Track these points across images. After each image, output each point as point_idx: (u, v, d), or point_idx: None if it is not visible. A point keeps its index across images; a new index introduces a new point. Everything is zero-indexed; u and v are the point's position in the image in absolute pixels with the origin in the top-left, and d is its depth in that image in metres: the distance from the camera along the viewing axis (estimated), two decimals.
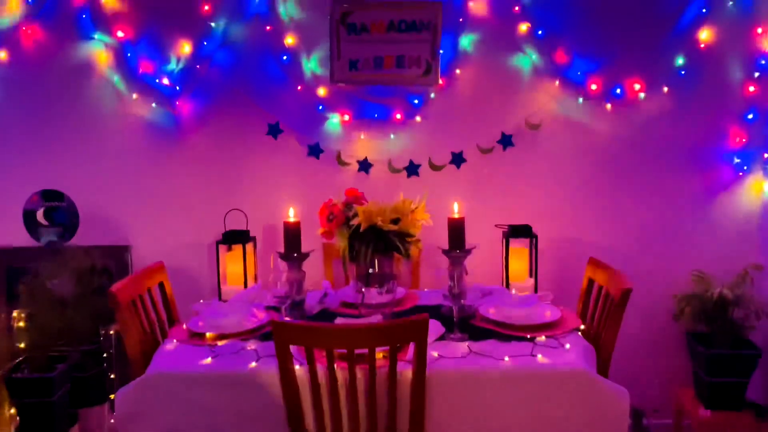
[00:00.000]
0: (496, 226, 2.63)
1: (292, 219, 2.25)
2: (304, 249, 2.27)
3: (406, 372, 1.77)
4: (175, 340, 2.09)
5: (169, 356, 1.98)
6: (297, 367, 1.79)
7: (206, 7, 2.75)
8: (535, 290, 2.53)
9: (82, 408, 2.92)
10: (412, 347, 1.77)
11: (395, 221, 2.16)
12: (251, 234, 2.62)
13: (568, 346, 1.94)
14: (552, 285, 2.71)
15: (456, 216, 2.23)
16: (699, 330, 2.70)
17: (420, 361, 1.72)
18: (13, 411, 2.79)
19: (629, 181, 2.81)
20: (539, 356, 1.88)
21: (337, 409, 1.77)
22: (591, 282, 2.35)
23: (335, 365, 1.76)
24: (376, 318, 2.11)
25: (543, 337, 2.01)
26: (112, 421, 2.96)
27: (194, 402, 1.85)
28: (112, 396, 2.95)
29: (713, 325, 2.63)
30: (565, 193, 2.83)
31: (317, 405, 1.77)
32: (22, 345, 2.83)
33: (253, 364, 1.87)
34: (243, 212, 2.64)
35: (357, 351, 1.72)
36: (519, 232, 2.55)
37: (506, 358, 1.86)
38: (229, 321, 2.16)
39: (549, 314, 2.16)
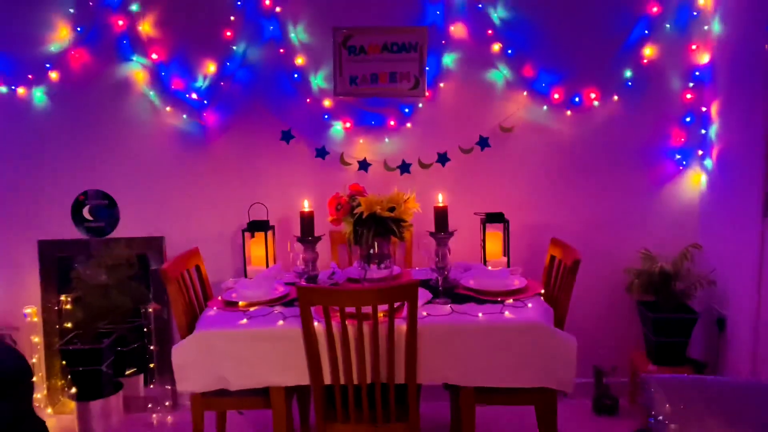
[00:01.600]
0: (475, 213, 3.14)
1: (306, 209, 2.75)
2: (315, 235, 2.77)
3: (401, 326, 2.26)
4: (215, 308, 2.59)
5: (212, 320, 2.47)
6: (316, 324, 2.28)
7: (228, 33, 3.24)
8: (508, 266, 3.03)
9: (124, 377, 3.42)
10: (406, 308, 2.26)
11: (391, 209, 2.66)
12: (270, 224, 3.12)
13: (530, 305, 2.46)
14: (522, 262, 3.22)
15: (440, 205, 2.72)
16: (647, 299, 3.20)
17: (412, 317, 2.22)
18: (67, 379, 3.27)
19: (587, 175, 3.32)
20: (506, 313, 2.38)
21: (348, 355, 2.26)
22: (552, 258, 2.85)
23: (346, 321, 2.25)
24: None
25: (511, 300, 2.52)
26: (152, 386, 3.46)
27: (234, 354, 2.35)
28: (152, 365, 3.44)
29: (658, 295, 3.13)
30: (534, 186, 3.33)
31: (332, 353, 2.27)
32: (69, 325, 3.32)
33: (281, 322, 2.37)
34: (264, 205, 3.15)
35: (363, 310, 2.22)
36: (494, 218, 3.06)
37: (480, 315, 2.37)
38: (257, 292, 2.65)
39: (517, 283, 2.67)
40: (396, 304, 2.26)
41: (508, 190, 3.32)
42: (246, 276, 3.05)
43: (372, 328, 2.23)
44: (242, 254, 3.09)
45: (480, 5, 3.19)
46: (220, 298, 2.69)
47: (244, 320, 2.42)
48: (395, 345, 2.25)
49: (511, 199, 3.30)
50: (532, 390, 2.43)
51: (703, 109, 3.20)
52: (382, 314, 2.28)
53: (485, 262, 3.04)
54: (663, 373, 3.07)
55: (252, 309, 2.53)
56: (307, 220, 2.74)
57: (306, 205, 2.75)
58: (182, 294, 2.61)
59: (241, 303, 2.59)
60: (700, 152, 3.24)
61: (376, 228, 2.66)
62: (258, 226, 3.04)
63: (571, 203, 3.33)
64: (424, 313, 2.39)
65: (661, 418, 1.68)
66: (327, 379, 2.30)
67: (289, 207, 3.25)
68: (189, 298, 2.67)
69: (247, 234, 3.07)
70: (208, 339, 2.37)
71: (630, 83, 3.22)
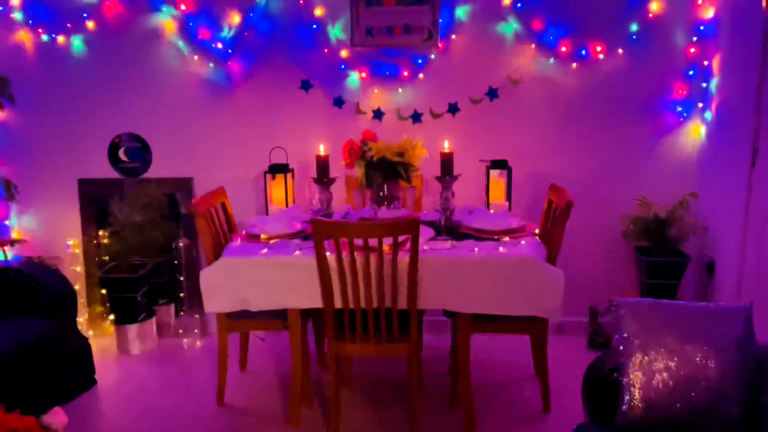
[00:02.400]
0: (480, 161, 3.34)
1: (322, 153, 2.98)
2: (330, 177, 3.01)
3: (404, 259, 2.50)
4: (239, 239, 2.86)
5: (236, 249, 2.75)
6: (328, 254, 2.53)
7: None
8: (509, 209, 3.24)
9: (157, 306, 3.75)
10: (409, 242, 2.49)
11: (400, 155, 2.88)
12: (290, 167, 3.37)
13: (523, 242, 2.68)
14: (524, 207, 3.43)
15: (446, 151, 2.93)
16: (643, 245, 3.40)
17: (414, 249, 2.46)
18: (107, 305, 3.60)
19: (591, 126, 3.48)
20: (501, 249, 2.61)
21: (356, 282, 2.52)
22: (550, 202, 3.05)
23: (355, 253, 2.50)
24: None
25: (507, 238, 2.74)
26: (182, 314, 3.78)
27: (256, 279, 2.62)
28: (182, 295, 3.77)
29: (653, 241, 3.33)
30: (539, 136, 3.51)
31: (342, 280, 2.52)
32: (107, 257, 3.64)
33: (297, 252, 2.64)
34: (284, 149, 3.39)
35: (370, 243, 2.46)
36: (498, 165, 3.25)
37: (476, 249, 2.60)
38: (277, 227, 2.91)
39: (514, 223, 2.88)
40: (400, 239, 2.50)
41: (515, 140, 3.50)
42: (267, 215, 3.31)
43: (378, 258, 2.47)
44: (264, 194, 3.35)
45: None
46: (243, 232, 2.96)
47: (265, 250, 2.68)
48: (398, 275, 2.49)
49: (517, 148, 3.49)
50: (524, 319, 2.68)
51: (705, 63, 3.32)
52: (387, 247, 2.52)
53: (488, 205, 3.25)
54: None
55: (272, 241, 2.80)
56: (322, 163, 2.97)
57: (322, 150, 2.98)
58: (210, 227, 2.87)
59: (262, 236, 2.85)
60: (701, 105, 3.37)
61: (386, 171, 2.88)
62: (278, 169, 3.29)
63: (575, 153, 3.50)
64: (426, 248, 2.63)
65: (626, 335, 1.91)
66: (338, 303, 2.57)
67: (307, 152, 3.48)
68: (215, 231, 2.94)
69: (268, 176, 3.32)
70: (232, 265, 2.64)
71: (635, 37, 3.34)
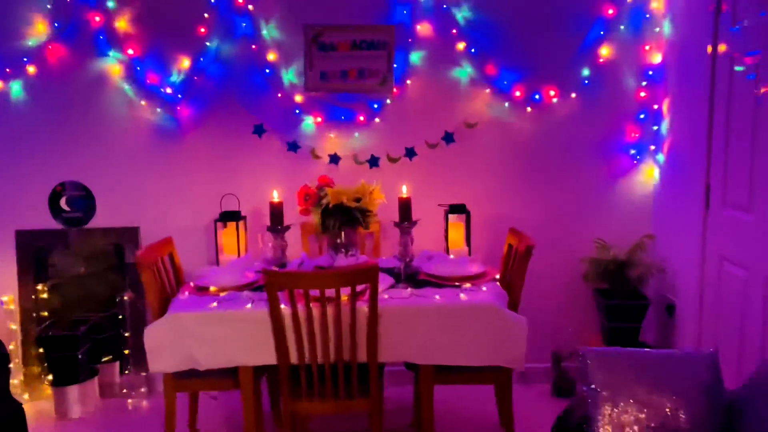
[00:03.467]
0: (438, 205, 3.29)
1: (276, 199, 2.88)
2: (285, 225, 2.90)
3: (363, 308, 2.39)
4: (186, 293, 2.70)
5: (184, 303, 2.59)
6: (282, 306, 2.41)
7: (202, 30, 3.35)
8: (469, 254, 3.18)
9: (100, 364, 3.51)
10: (368, 292, 2.39)
11: (357, 200, 2.80)
12: (242, 214, 3.24)
13: (484, 289, 2.61)
14: (483, 251, 3.37)
15: (404, 196, 2.87)
16: (603, 287, 3.38)
17: (373, 298, 2.35)
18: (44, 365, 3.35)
19: (547, 169, 3.48)
20: (462, 296, 2.53)
21: (312, 336, 2.39)
22: (510, 246, 3.00)
23: (311, 304, 2.38)
24: None
25: (468, 284, 2.66)
26: (127, 373, 3.55)
27: (203, 335, 2.47)
28: (126, 352, 3.54)
29: (613, 283, 3.30)
30: (496, 179, 3.49)
31: (297, 334, 2.39)
32: (46, 313, 3.41)
33: (249, 305, 2.50)
34: (236, 196, 3.26)
35: (327, 293, 2.35)
36: (457, 209, 3.20)
37: (437, 297, 2.51)
38: (227, 278, 2.77)
39: (475, 269, 2.82)
40: (358, 288, 2.39)
41: (472, 183, 3.48)
42: (218, 264, 3.16)
43: (335, 310, 2.36)
44: (215, 244, 3.20)
45: (445, 6, 3.34)
46: (192, 284, 2.80)
47: (214, 303, 2.53)
48: (357, 326, 2.38)
49: (474, 192, 3.46)
50: (488, 369, 2.58)
51: (656, 106, 3.38)
52: (345, 297, 2.41)
53: (448, 251, 3.19)
54: None
55: (222, 294, 2.65)
56: (276, 210, 2.87)
57: (275, 196, 2.88)
58: (156, 280, 2.71)
59: (212, 288, 2.70)
60: (653, 147, 3.42)
61: (343, 218, 2.79)
62: (230, 216, 3.16)
63: (531, 196, 3.49)
64: (386, 296, 2.53)
65: (593, 386, 1.83)
66: (293, 359, 2.43)
67: (261, 199, 3.37)
68: (162, 284, 2.78)
69: (219, 224, 3.18)
70: (179, 320, 2.48)
71: (587, 81, 3.38)
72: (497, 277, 2.78)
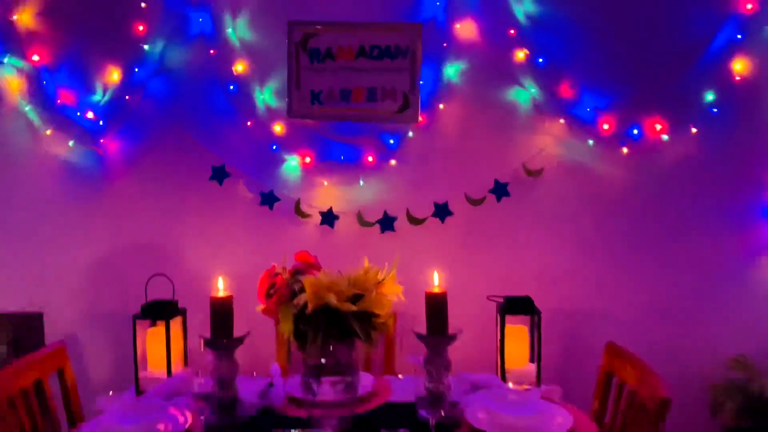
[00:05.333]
0: (488, 298, 2.10)
1: (221, 293, 1.72)
2: (248, 325, 1.73)
3: None
4: None
5: None
6: None
7: (140, 27, 2.29)
8: (538, 381, 1.99)
9: None
10: None
11: (355, 298, 1.64)
12: (180, 305, 2.08)
13: None
14: (558, 373, 2.19)
15: (436, 290, 1.71)
16: (743, 425, 2.16)
17: None
18: None
19: (650, 240, 2.31)
20: None
21: None
22: (609, 375, 1.82)
23: None
24: (330, 425, 1.62)
25: None
26: None
27: None
28: None
29: (760, 422, 2.10)
30: (573, 255, 2.32)
31: None
32: None
33: None
34: (169, 279, 2.10)
35: None
36: (517, 305, 2.03)
37: None
38: (143, 419, 1.62)
39: (560, 421, 1.62)
40: None
41: (537, 262, 2.32)
42: (137, 389, 2.00)
43: None
44: (133, 352, 2.03)
45: None
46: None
47: None
48: None
49: (540, 275, 2.30)
50: None
51: None
52: None
53: (504, 373, 2.01)
54: None
55: None
56: (221, 311, 1.71)
57: (220, 286, 1.73)
58: (25, 420, 1.58)
59: None
60: None
61: (329, 328, 1.64)
62: (158, 310, 2.01)
63: (628, 282, 2.32)
64: None
65: None
66: None
67: (213, 280, 2.23)
68: (35, 427, 1.64)
69: (142, 322, 2.03)
70: None
71: (714, 109, 2.24)
72: None
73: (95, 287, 2.36)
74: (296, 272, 1.75)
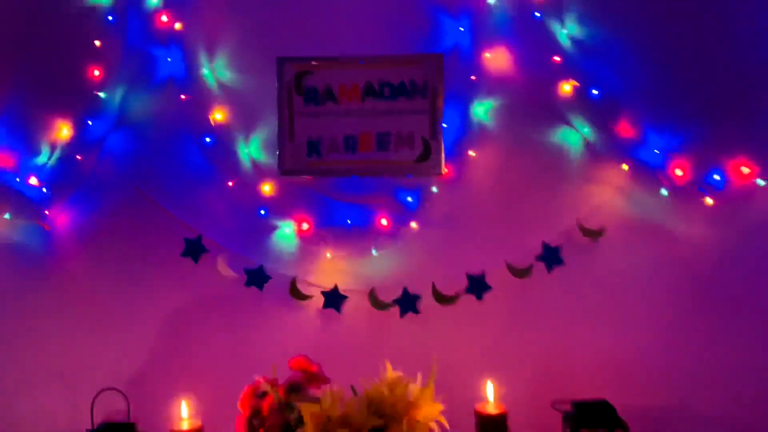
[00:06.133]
0: (553, 407, 1.58)
1: (186, 423, 1.21)
2: None
3: None
4: None
5: None
6: None
7: (95, 72, 1.85)
8: None
9: None
10: None
11: (378, 431, 1.13)
12: (139, 430, 1.56)
13: None
14: None
15: (491, 411, 1.20)
16: None
17: None
18: None
19: (745, 314, 1.80)
20: None
21: None
22: None
23: None
24: None
25: None
26: None
27: None
28: None
29: None
30: (649, 339, 1.80)
31: None
32: None
33: None
34: (123, 394, 1.58)
35: None
36: (593, 414, 1.50)
37: None
38: None
39: None
40: None
41: (605, 348, 1.80)
42: None
43: None
44: None
45: (538, 13, 1.82)
46: None
47: None
48: None
49: (612, 367, 1.77)
50: None
51: None
52: None
53: None
54: None
55: None
56: None
57: (184, 414, 1.21)
58: None
59: None
60: None
61: None
62: None
63: (724, 369, 1.79)
64: None
65: None
66: None
67: (185, 392, 1.71)
68: None
69: None
70: None
71: None
72: None
73: (34, 402, 1.84)
74: (291, 389, 1.26)
